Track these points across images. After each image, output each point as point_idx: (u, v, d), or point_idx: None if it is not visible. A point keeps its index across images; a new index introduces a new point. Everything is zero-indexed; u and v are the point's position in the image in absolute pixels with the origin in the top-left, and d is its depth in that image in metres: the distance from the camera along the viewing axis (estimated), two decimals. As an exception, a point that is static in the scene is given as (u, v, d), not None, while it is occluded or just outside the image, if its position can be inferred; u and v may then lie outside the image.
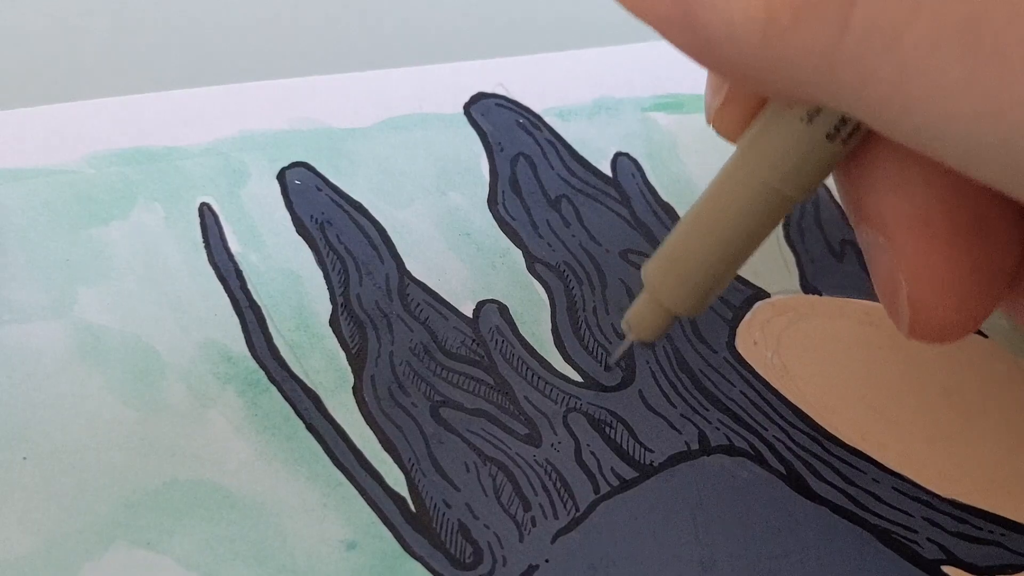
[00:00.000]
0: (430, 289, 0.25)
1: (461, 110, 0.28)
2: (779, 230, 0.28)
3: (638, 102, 0.29)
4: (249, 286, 0.25)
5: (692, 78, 0.30)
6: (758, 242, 0.21)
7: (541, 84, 0.29)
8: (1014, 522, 0.23)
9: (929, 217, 0.19)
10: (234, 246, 0.25)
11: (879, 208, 0.20)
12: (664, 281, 0.22)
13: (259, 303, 0.25)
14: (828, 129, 0.19)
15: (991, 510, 0.24)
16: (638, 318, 0.22)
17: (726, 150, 0.29)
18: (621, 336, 0.25)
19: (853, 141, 0.19)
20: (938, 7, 0.16)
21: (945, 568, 0.23)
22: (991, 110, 0.16)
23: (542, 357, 0.25)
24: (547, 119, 0.29)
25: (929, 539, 0.23)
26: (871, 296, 0.27)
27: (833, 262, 0.27)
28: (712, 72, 0.21)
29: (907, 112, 0.17)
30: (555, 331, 0.25)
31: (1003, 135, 0.16)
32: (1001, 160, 0.16)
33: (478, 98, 0.29)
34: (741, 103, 0.21)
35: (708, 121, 0.21)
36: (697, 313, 0.22)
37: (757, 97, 0.20)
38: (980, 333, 0.26)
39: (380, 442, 0.23)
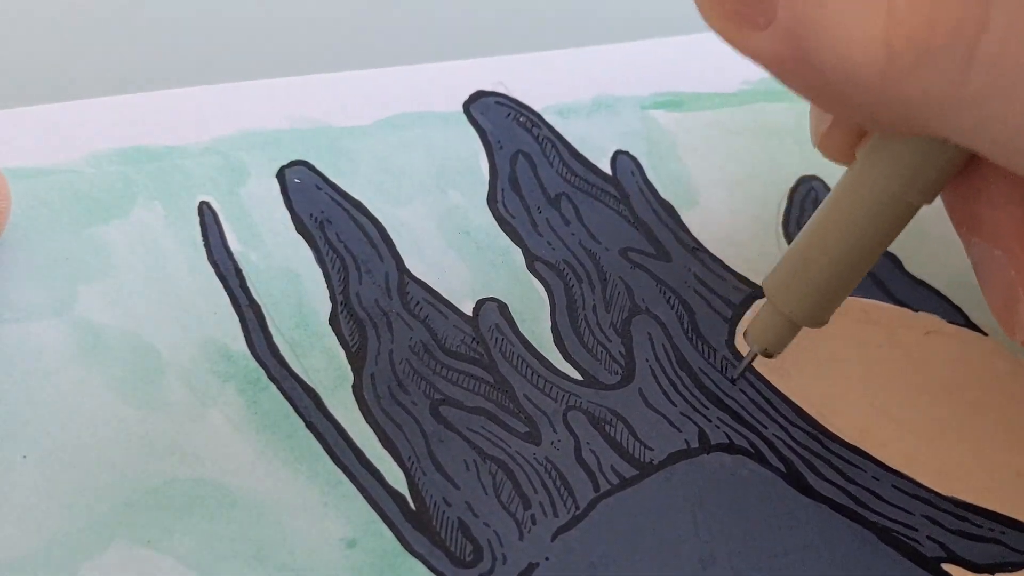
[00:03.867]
0: (430, 287, 0.25)
1: (460, 108, 0.28)
2: (779, 229, 0.28)
3: (638, 100, 0.29)
4: (248, 284, 0.25)
5: (692, 76, 0.30)
6: (880, 250, 0.22)
7: (541, 82, 0.29)
8: (1014, 520, 0.23)
9: None
10: (234, 245, 0.25)
11: (995, 220, 0.20)
12: (787, 293, 0.22)
13: (258, 302, 0.25)
14: None
15: (991, 508, 0.24)
16: (761, 329, 0.23)
17: (727, 149, 0.29)
18: (620, 334, 0.25)
19: None
20: None
21: (945, 566, 0.23)
22: None
23: (542, 355, 0.25)
24: (546, 117, 0.29)
25: (929, 537, 0.23)
26: (870, 294, 0.27)
27: (833, 260, 0.27)
28: (826, 111, 0.21)
29: None
30: (555, 329, 0.25)
31: None
32: None
33: (477, 96, 0.29)
34: (849, 126, 0.21)
35: (815, 144, 0.22)
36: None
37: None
38: (980, 331, 0.26)
39: (380, 440, 0.23)
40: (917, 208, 0.21)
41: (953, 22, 0.16)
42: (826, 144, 0.21)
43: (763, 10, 0.17)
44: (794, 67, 0.17)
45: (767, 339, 0.23)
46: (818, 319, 0.23)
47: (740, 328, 0.26)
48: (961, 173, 0.21)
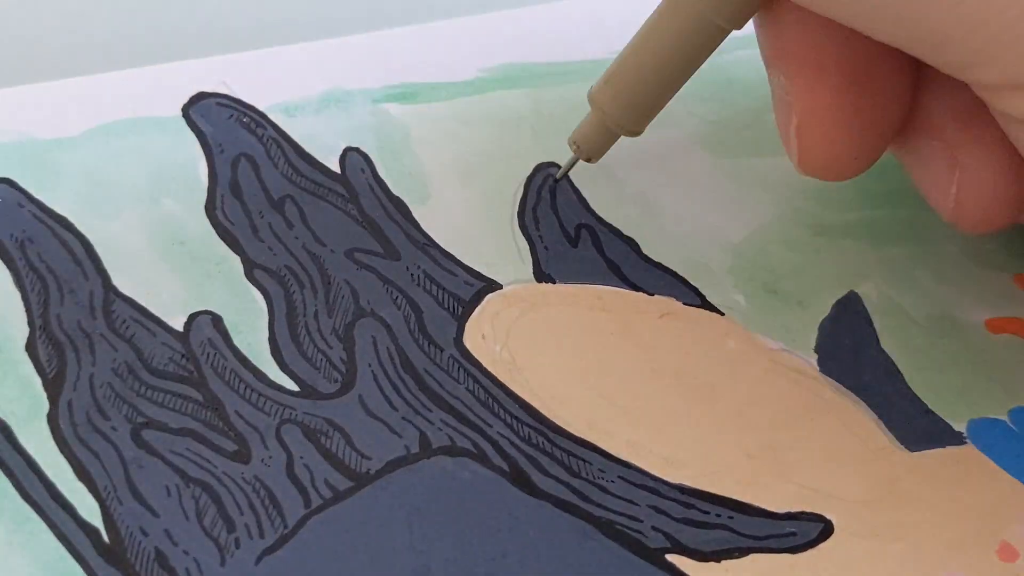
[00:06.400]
0: (138, 304, 0.24)
1: (179, 112, 0.27)
2: (513, 220, 0.27)
3: (369, 93, 0.28)
4: (-63, 314, 0.23)
5: (427, 66, 0.29)
6: (692, 69, 0.25)
7: (266, 80, 0.28)
8: (743, 503, 0.23)
9: (824, 61, 0.22)
10: (-77, 272, 0.24)
11: (782, 50, 0.23)
12: (607, 102, 0.25)
13: (-53, 332, 0.23)
14: None
15: (720, 492, 0.23)
16: (584, 136, 0.26)
17: (462, 140, 0.28)
18: (341, 339, 0.24)
19: None
20: None
21: (669, 556, 0.22)
22: None
23: (257, 368, 0.24)
24: (272, 116, 0.27)
25: (654, 527, 0.22)
26: (606, 281, 0.26)
27: (568, 248, 0.26)
28: None
29: None
30: (272, 340, 0.24)
31: None
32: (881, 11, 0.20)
33: (198, 98, 0.27)
34: None
35: None
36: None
37: None
38: (716, 311, 0.26)
39: (74, 471, 0.22)
40: (727, 32, 0.24)
41: None
42: None
43: None
44: None
45: (588, 145, 0.26)
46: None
47: (469, 329, 0.25)
48: (764, 6, 0.23)
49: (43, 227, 0.25)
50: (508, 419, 0.24)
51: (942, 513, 0.23)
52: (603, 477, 0.23)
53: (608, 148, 0.26)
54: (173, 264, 0.25)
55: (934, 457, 0.24)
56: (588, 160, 0.26)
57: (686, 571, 0.22)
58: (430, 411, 0.23)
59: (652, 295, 0.26)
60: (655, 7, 0.24)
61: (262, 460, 0.22)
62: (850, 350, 0.26)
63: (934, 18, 0.19)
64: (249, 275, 0.25)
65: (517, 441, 0.23)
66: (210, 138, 0.27)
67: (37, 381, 0.23)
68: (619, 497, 0.23)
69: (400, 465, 0.23)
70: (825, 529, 0.23)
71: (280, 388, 0.23)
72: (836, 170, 0.23)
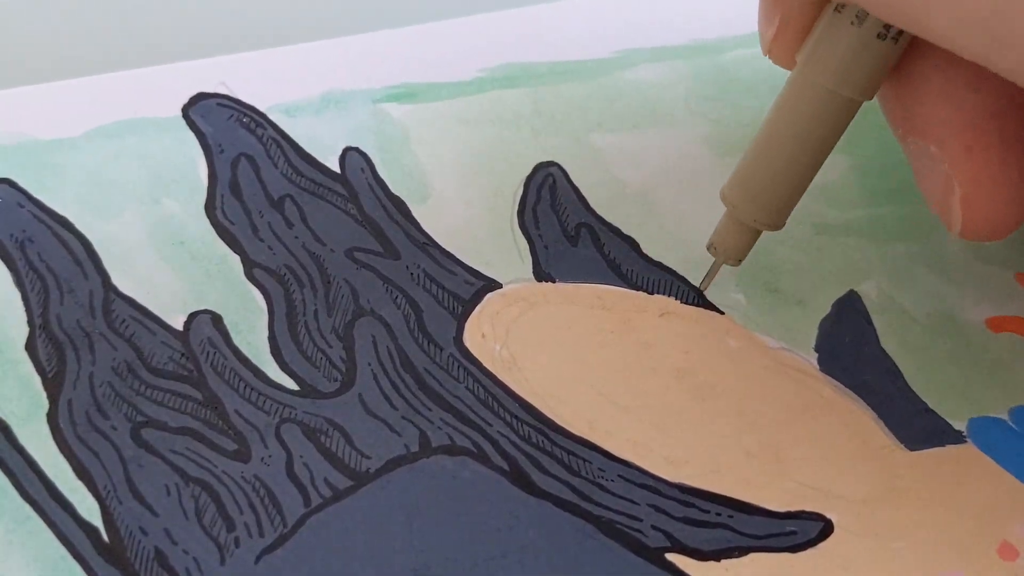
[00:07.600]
0: (138, 303, 0.24)
1: (179, 113, 0.27)
2: (513, 219, 0.27)
3: (369, 94, 0.28)
4: (-63, 314, 0.23)
5: (427, 66, 0.29)
6: (828, 148, 0.23)
7: (266, 81, 0.28)
8: (743, 502, 0.23)
9: (978, 123, 0.21)
10: (-77, 272, 0.24)
11: (929, 118, 0.22)
12: (742, 199, 0.23)
13: (-54, 332, 0.23)
14: (879, 28, 0.21)
15: (720, 492, 0.23)
16: (722, 239, 0.24)
17: (462, 139, 0.28)
18: (341, 338, 0.24)
19: (904, 39, 0.21)
20: None
21: (669, 555, 0.22)
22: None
23: (257, 367, 0.24)
24: (272, 116, 0.27)
25: (654, 526, 0.22)
26: (605, 280, 0.26)
27: (568, 247, 0.26)
28: None
29: (924, 8, 0.19)
30: (272, 339, 0.24)
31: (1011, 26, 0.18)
32: (1013, 48, 0.18)
33: (198, 99, 0.27)
34: (792, 30, 0.23)
35: (764, 52, 0.23)
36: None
37: (807, 23, 0.22)
38: (716, 310, 0.26)
39: (74, 470, 0.22)
40: (858, 104, 0.22)
41: None
42: (773, 50, 0.23)
43: None
44: None
45: (730, 249, 0.24)
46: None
47: (468, 328, 0.25)
48: (896, 75, 0.22)
49: (43, 227, 0.25)
50: (508, 418, 0.24)
51: (942, 512, 0.23)
52: (603, 476, 0.23)
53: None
54: (173, 264, 0.25)
55: (934, 456, 0.24)
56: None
57: (686, 570, 0.22)
58: (430, 410, 0.23)
59: (652, 294, 0.26)
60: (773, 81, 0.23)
61: (262, 459, 0.22)
62: (850, 349, 0.25)
63: None
64: (249, 274, 0.25)
65: (517, 440, 0.23)
66: (210, 138, 0.27)
67: (37, 380, 0.23)
68: (619, 496, 0.23)
69: (400, 464, 0.23)
70: (825, 528, 0.23)
71: (280, 387, 0.23)
72: (1002, 231, 0.22)
